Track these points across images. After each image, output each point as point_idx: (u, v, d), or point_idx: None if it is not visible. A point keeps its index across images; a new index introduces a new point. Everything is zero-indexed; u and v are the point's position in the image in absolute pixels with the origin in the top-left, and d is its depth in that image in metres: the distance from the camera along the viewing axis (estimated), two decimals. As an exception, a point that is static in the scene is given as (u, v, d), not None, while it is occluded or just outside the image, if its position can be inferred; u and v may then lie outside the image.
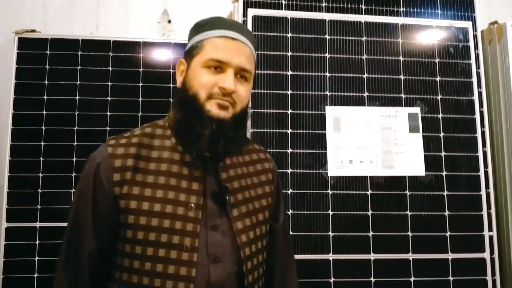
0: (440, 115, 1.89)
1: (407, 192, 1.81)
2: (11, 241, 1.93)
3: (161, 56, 2.14)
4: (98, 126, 2.04)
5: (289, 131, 1.79)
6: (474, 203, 1.85)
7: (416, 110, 1.88)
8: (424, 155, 1.85)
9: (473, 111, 1.92)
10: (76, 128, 2.03)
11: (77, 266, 0.98)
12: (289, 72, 1.83)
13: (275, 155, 1.77)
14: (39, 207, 1.96)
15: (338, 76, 1.85)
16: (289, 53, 1.84)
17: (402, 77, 1.89)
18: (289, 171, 1.77)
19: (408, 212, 1.80)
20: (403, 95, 1.88)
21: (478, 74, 1.96)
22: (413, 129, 1.86)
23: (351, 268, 1.74)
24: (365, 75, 1.86)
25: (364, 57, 1.87)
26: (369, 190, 1.79)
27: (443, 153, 1.86)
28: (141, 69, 2.11)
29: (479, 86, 1.95)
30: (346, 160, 1.80)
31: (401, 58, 1.90)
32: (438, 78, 1.91)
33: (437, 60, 1.93)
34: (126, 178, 0.97)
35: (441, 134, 1.88)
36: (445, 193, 1.83)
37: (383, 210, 1.79)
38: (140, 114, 2.06)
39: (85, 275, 0.98)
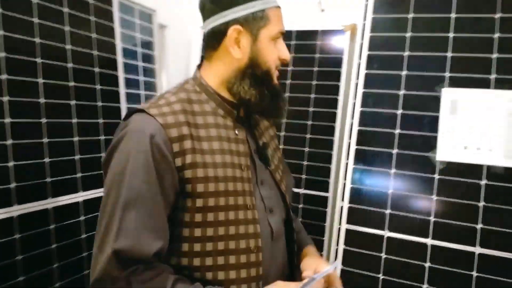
0: None
1: (534, 187, 1.58)
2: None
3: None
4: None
5: (399, 112, 1.78)
6: None
7: (559, 95, 1.59)
8: None
9: None
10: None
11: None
12: (405, 53, 1.80)
13: (382, 135, 1.80)
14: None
15: (460, 56, 1.71)
16: (408, 34, 1.81)
17: (544, 56, 1.62)
18: (394, 151, 1.77)
19: (532, 209, 1.57)
20: (541, 77, 1.62)
21: None
22: (551, 117, 1.59)
23: (447, 255, 1.65)
24: (494, 55, 1.67)
25: (496, 35, 1.68)
26: (484, 180, 1.64)
27: None
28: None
29: None
30: (460, 145, 1.68)
31: (544, 35, 1.63)
32: None
33: None
34: (187, 147, 0.93)
35: None
36: None
37: (500, 204, 1.61)
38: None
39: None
